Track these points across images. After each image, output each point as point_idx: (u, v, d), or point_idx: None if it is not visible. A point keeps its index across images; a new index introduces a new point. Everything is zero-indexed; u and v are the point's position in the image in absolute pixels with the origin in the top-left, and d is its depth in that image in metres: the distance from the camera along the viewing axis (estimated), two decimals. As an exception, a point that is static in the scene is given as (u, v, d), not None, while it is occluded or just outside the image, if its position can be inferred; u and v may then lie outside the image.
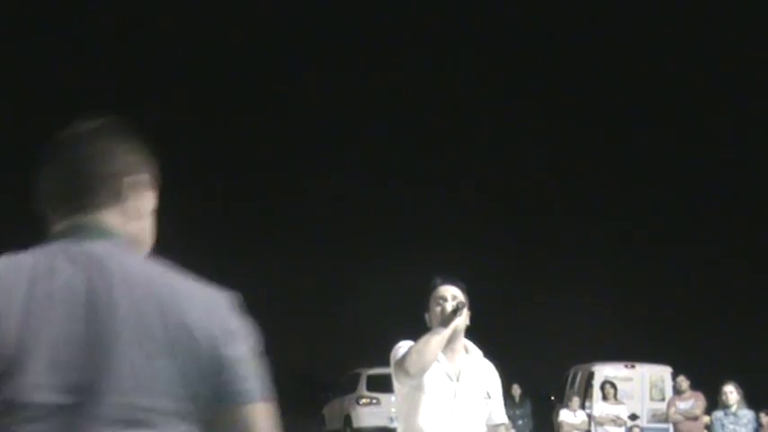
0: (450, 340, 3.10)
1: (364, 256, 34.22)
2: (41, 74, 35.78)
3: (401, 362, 2.98)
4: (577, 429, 11.46)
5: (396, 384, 3.13)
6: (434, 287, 3.16)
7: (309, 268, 36.49)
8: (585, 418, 11.67)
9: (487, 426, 3.17)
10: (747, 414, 8.86)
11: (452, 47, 42.53)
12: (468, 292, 3.18)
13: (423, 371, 2.97)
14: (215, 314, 1.23)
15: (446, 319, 3.03)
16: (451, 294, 3.12)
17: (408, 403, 3.08)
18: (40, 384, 1.11)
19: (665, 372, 14.56)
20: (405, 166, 41.97)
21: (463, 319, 3.09)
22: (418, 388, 3.04)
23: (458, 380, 3.08)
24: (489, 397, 3.16)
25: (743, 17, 38.43)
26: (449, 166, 43.72)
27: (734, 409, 8.79)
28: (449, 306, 3.06)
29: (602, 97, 42.80)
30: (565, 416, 11.63)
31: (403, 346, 3.09)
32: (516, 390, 15.13)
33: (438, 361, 3.06)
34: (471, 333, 3.23)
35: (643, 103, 43.58)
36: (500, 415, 3.23)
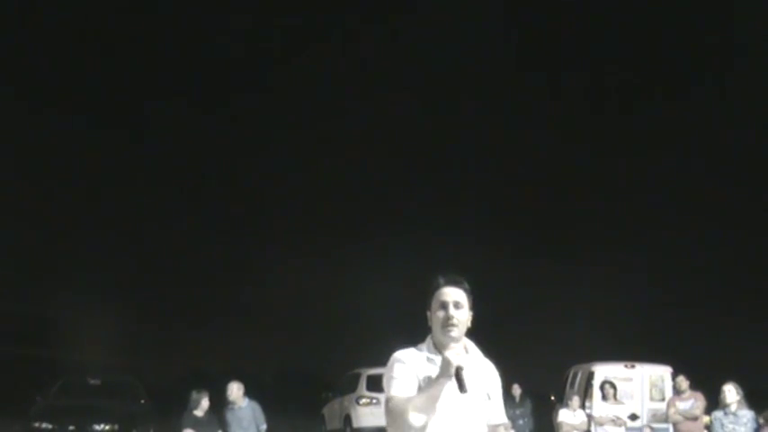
0: (450, 343, 3.08)
1: (364, 256, 34.21)
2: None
3: (396, 414, 2.97)
4: (576, 429, 11.44)
5: None
6: (437, 287, 3.11)
7: (309, 269, 36.47)
8: (585, 419, 11.64)
9: (487, 426, 3.16)
10: (747, 414, 8.85)
11: (452, 43, 42.51)
12: (470, 291, 3.16)
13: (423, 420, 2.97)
14: None
15: (437, 383, 2.95)
16: (453, 301, 3.07)
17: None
18: None
19: (665, 372, 14.55)
20: (406, 166, 41.94)
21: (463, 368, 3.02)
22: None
23: None
24: (489, 398, 3.15)
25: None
26: (450, 166, 43.69)
27: (733, 408, 8.78)
28: (453, 360, 2.93)
29: (606, 97, 42.75)
30: (564, 416, 11.61)
31: (397, 368, 3.05)
32: (516, 389, 15.14)
33: (432, 361, 3.05)
34: (471, 333, 3.22)
35: (645, 105, 43.54)
36: (500, 415, 3.21)
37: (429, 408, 2.92)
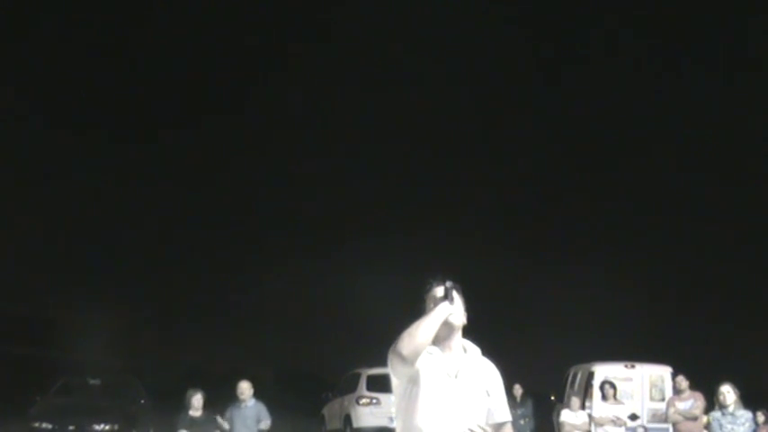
0: (448, 338, 3.10)
1: (364, 257, 34.22)
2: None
3: (394, 346, 2.98)
4: (578, 430, 11.43)
5: (394, 381, 3.12)
6: (429, 289, 3.18)
7: (309, 269, 36.46)
8: (587, 419, 11.63)
9: (490, 425, 3.17)
10: (745, 414, 8.84)
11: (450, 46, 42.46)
12: (464, 292, 3.19)
13: (415, 354, 2.96)
14: None
15: (436, 303, 3.06)
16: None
17: (406, 401, 3.07)
18: None
19: (665, 372, 14.54)
20: (405, 167, 41.92)
21: (457, 311, 3.09)
22: (416, 384, 3.04)
23: (456, 377, 3.08)
24: (488, 395, 3.16)
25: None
26: (450, 168, 43.67)
27: (731, 409, 8.77)
28: (439, 292, 3.09)
29: (606, 98, 42.74)
30: (566, 416, 11.60)
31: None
32: (518, 390, 15.11)
33: (431, 354, 3.06)
34: (472, 332, 3.23)
35: (645, 107, 43.51)
36: (503, 413, 3.22)
37: (418, 335, 2.95)
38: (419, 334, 2.94)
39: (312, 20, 40.69)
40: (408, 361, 2.97)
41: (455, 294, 3.13)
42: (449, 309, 3.05)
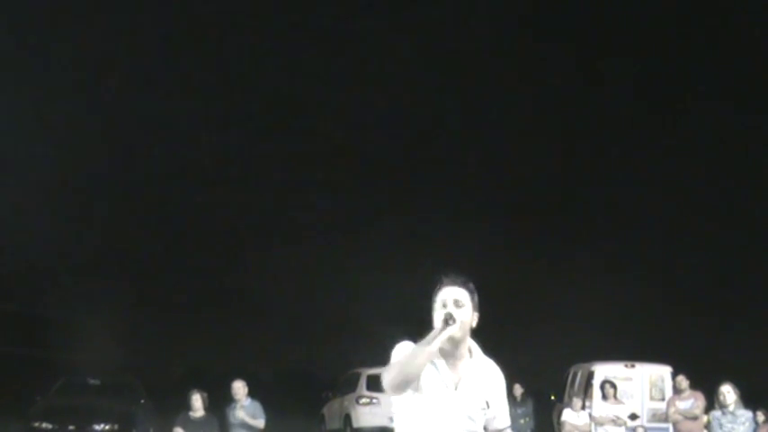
0: (453, 347, 3.05)
1: (364, 256, 34.22)
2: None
3: (384, 375, 2.94)
4: (578, 430, 11.44)
5: None
6: (440, 287, 3.10)
7: (309, 269, 36.45)
8: (588, 420, 11.64)
9: (490, 431, 3.15)
10: (745, 413, 8.83)
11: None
12: (477, 290, 3.13)
13: (405, 386, 2.93)
14: None
15: (435, 332, 2.96)
16: (453, 299, 3.04)
17: (406, 404, 3.06)
18: None
19: (665, 371, 14.54)
20: (406, 166, 41.92)
21: (457, 329, 3.00)
22: (416, 392, 3.01)
23: (456, 388, 3.05)
24: (488, 407, 3.11)
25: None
26: (450, 167, 43.67)
27: (731, 408, 8.76)
28: (440, 315, 3.01)
29: (606, 98, 42.74)
30: (568, 416, 11.60)
31: (402, 348, 3.04)
32: (518, 389, 15.11)
33: (435, 366, 3.03)
34: (473, 331, 3.21)
35: (644, 107, 43.52)
36: (504, 419, 3.20)
37: (410, 367, 2.88)
38: (411, 367, 2.88)
39: (323, 22, 40.72)
40: (398, 392, 2.95)
41: (464, 302, 3.07)
42: (448, 332, 2.97)
